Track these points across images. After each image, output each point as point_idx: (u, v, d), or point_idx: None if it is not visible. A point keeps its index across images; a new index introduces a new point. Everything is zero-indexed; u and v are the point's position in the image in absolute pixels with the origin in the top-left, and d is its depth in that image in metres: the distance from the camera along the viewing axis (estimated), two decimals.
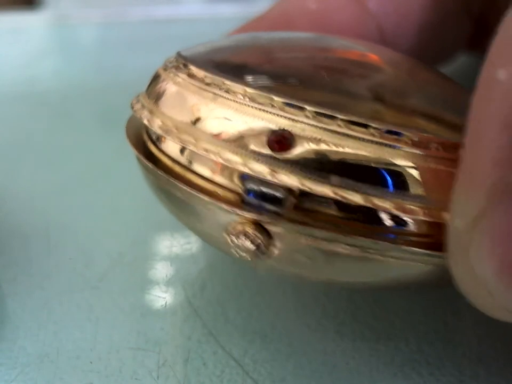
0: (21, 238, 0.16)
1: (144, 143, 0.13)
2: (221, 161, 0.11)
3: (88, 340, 0.13)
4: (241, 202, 0.11)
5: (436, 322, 0.14)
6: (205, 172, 0.11)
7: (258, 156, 0.10)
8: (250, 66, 0.12)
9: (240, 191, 0.11)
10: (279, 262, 0.11)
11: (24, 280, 0.15)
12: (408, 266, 0.11)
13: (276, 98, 0.10)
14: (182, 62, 0.12)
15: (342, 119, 0.10)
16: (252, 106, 0.11)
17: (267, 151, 0.10)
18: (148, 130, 0.13)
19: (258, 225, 0.11)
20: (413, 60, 0.14)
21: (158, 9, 0.35)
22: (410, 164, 0.10)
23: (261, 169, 0.10)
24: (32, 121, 0.23)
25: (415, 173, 0.10)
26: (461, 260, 0.10)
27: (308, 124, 0.10)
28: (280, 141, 0.10)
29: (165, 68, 0.12)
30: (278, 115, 0.10)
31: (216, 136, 0.11)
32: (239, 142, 0.10)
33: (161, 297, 0.15)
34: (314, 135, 0.10)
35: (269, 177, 0.10)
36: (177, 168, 0.12)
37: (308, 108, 0.10)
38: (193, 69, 0.12)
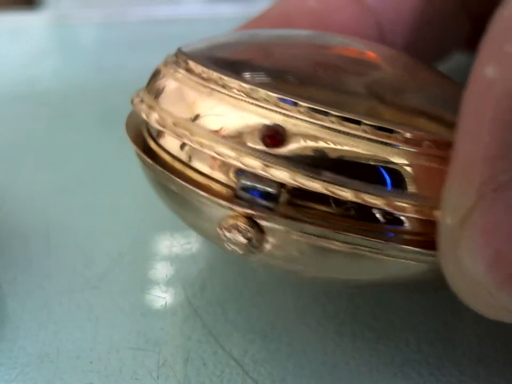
0: (21, 238, 0.16)
1: (144, 139, 0.13)
2: (215, 155, 0.11)
3: (88, 340, 0.13)
4: (234, 197, 0.11)
5: (436, 322, 0.14)
6: (202, 166, 0.11)
7: (251, 151, 0.10)
8: (248, 62, 0.12)
9: (234, 185, 0.11)
10: (271, 257, 0.11)
11: (24, 280, 0.15)
12: (401, 264, 0.11)
13: (270, 93, 0.11)
14: (182, 57, 0.12)
15: (334, 115, 0.10)
16: (246, 101, 0.11)
17: (260, 145, 0.10)
18: (147, 126, 0.13)
19: (250, 220, 0.11)
20: (411, 58, 0.14)
21: (158, 9, 0.35)
22: (402, 161, 0.10)
23: (253, 163, 0.10)
24: (32, 121, 0.23)
25: (406, 170, 0.10)
26: (452, 257, 0.10)
27: (301, 120, 0.10)
28: (273, 136, 0.10)
29: (165, 64, 0.12)
30: (272, 110, 0.10)
31: (211, 130, 0.11)
32: (233, 136, 0.11)
33: (161, 297, 0.15)
34: (307, 131, 0.10)
35: (261, 172, 0.10)
36: (174, 163, 0.12)
37: (301, 103, 0.10)
38: (192, 64, 0.12)
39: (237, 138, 0.11)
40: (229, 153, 0.11)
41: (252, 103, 0.11)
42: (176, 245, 0.16)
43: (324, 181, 0.10)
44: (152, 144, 0.13)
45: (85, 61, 0.29)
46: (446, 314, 0.14)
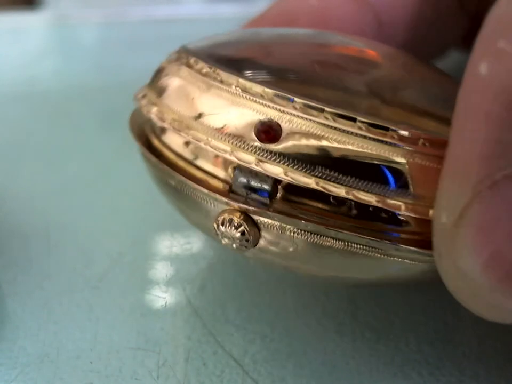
0: (21, 238, 0.16)
1: (147, 136, 0.13)
2: (210, 149, 0.11)
3: (88, 340, 0.13)
4: (230, 192, 0.11)
5: (436, 322, 0.14)
6: (201, 162, 0.12)
7: (246, 145, 0.11)
8: (249, 60, 0.12)
9: (231, 181, 0.11)
10: (266, 252, 0.11)
11: (24, 280, 0.15)
12: (399, 264, 0.11)
13: (266, 89, 0.11)
14: (184, 54, 0.12)
15: (330, 112, 0.10)
16: (243, 97, 0.11)
17: (255, 140, 0.11)
18: (151, 123, 0.13)
19: (245, 215, 0.11)
20: (410, 56, 0.14)
21: (158, 9, 0.35)
22: (397, 159, 0.10)
23: (247, 158, 0.10)
24: (32, 121, 0.23)
25: (401, 168, 0.10)
26: (447, 256, 0.10)
27: (296, 115, 0.10)
28: (268, 131, 0.10)
29: (169, 61, 0.13)
30: (267, 106, 0.11)
31: (208, 125, 0.11)
32: (229, 131, 0.11)
33: (161, 297, 0.15)
34: (301, 127, 0.10)
35: (254, 167, 0.10)
36: (175, 159, 0.12)
37: (296, 99, 0.10)
38: (193, 61, 0.12)
39: (233, 133, 0.11)
40: (223, 147, 0.11)
41: (249, 99, 0.11)
42: (176, 245, 0.16)
43: (317, 176, 0.10)
44: (155, 141, 0.13)
45: (85, 61, 0.29)
46: (446, 314, 0.14)
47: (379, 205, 0.10)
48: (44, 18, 0.34)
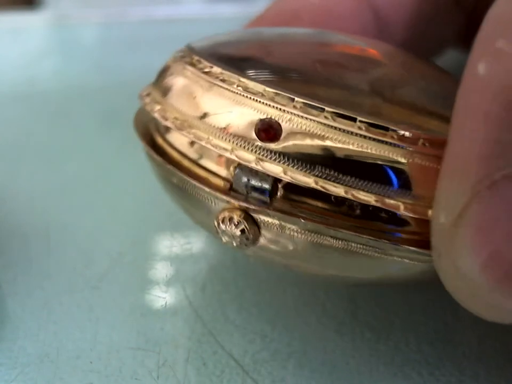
0: (21, 238, 0.16)
1: (151, 134, 0.13)
2: (210, 147, 0.11)
3: (88, 340, 0.13)
4: (231, 190, 0.11)
5: (436, 322, 0.14)
6: (205, 161, 0.12)
7: (246, 144, 0.11)
8: (250, 59, 0.12)
9: (231, 179, 0.11)
10: (266, 250, 0.12)
11: (24, 280, 0.15)
12: (399, 264, 0.11)
13: (267, 88, 0.11)
14: (188, 52, 0.12)
15: (329, 111, 0.10)
16: (244, 95, 0.11)
17: (255, 139, 0.11)
18: (155, 122, 0.13)
19: (245, 213, 0.11)
20: (410, 54, 0.14)
21: (158, 9, 0.35)
22: (396, 159, 0.10)
23: (247, 157, 0.11)
24: (32, 121, 0.23)
25: (401, 168, 0.10)
26: (446, 256, 0.10)
27: (296, 115, 0.10)
28: (267, 130, 0.10)
29: (173, 59, 0.13)
30: (267, 105, 0.11)
31: (209, 123, 0.11)
32: (229, 130, 0.11)
33: (161, 297, 0.15)
34: (301, 126, 0.10)
35: (254, 165, 0.11)
36: (179, 158, 0.12)
37: (296, 98, 0.10)
38: (196, 59, 0.12)
39: (233, 132, 0.11)
40: (224, 146, 0.11)
41: (249, 98, 0.11)
42: (176, 245, 0.16)
43: (316, 176, 0.10)
44: (159, 140, 0.13)
45: (85, 61, 0.29)
46: (446, 314, 0.14)
47: (378, 204, 0.10)
48: (44, 18, 0.34)
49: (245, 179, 0.11)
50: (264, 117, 0.11)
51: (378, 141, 0.10)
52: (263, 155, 0.10)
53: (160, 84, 0.13)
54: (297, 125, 0.10)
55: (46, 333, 0.14)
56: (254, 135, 0.11)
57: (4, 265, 0.15)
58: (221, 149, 0.11)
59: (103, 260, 0.16)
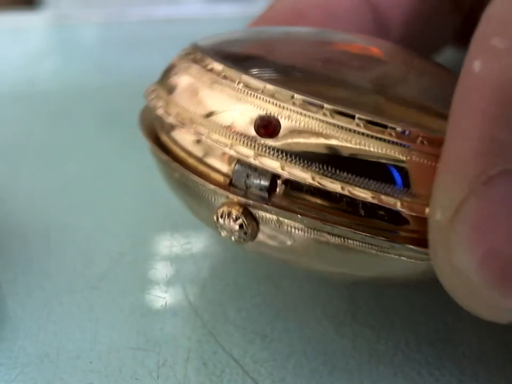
0: (21, 238, 0.16)
1: (156, 132, 0.13)
2: (210, 142, 0.11)
3: (88, 340, 0.13)
4: (230, 185, 0.11)
5: (436, 322, 0.14)
6: (207, 157, 0.12)
7: (245, 139, 0.11)
8: (254, 57, 0.12)
9: (231, 175, 0.11)
10: (264, 246, 0.12)
11: (24, 280, 0.15)
12: (392, 260, 0.11)
13: (268, 85, 0.11)
14: (193, 50, 0.13)
15: (328, 108, 0.10)
16: (244, 92, 0.11)
17: (254, 135, 0.11)
18: (160, 119, 0.13)
19: (243, 208, 0.11)
20: (410, 51, 0.14)
21: (158, 9, 0.35)
22: (394, 157, 0.10)
23: (246, 152, 0.11)
24: (32, 121, 0.23)
25: (398, 165, 0.10)
26: (442, 254, 0.10)
27: (295, 111, 0.11)
28: (267, 126, 0.11)
29: (179, 57, 0.13)
30: (267, 101, 0.11)
31: (209, 119, 0.11)
32: (230, 125, 0.11)
33: (161, 297, 0.15)
34: (300, 123, 0.10)
35: (252, 161, 0.11)
36: (181, 153, 0.12)
37: (296, 95, 0.11)
38: (200, 57, 0.12)
39: (233, 128, 0.11)
40: (223, 141, 0.11)
41: (250, 94, 0.11)
42: (176, 245, 0.16)
43: (313, 171, 0.10)
44: (164, 137, 0.13)
45: (85, 61, 0.29)
46: (446, 314, 0.14)
47: (374, 201, 0.10)
48: (44, 18, 0.34)
49: (244, 174, 0.11)
50: (264, 113, 0.11)
51: (377, 138, 0.10)
52: (261, 150, 0.11)
53: (166, 82, 0.13)
54: (296, 122, 0.10)
55: (46, 333, 0.14)
56: (253, 131, 0.11)
57: (4, 265, 0.15)
58: (220, 144, 0.11)
59: (103, 259, 0.16)
